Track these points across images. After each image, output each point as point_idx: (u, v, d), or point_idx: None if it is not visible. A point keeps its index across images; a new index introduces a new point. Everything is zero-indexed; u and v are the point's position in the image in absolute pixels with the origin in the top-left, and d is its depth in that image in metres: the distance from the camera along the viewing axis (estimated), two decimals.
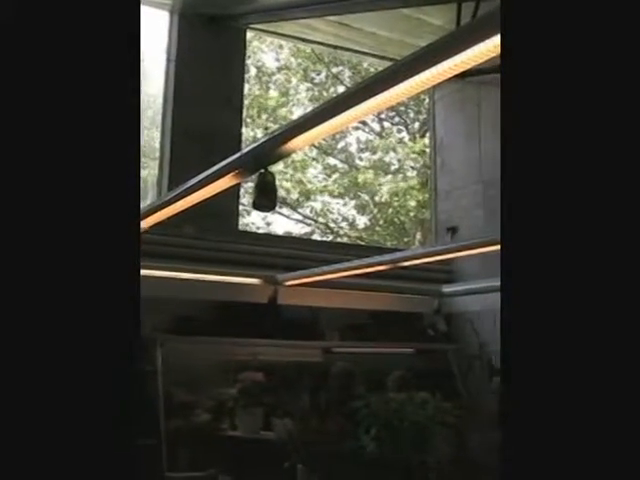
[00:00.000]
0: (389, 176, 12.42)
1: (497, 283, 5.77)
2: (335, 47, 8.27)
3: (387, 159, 12.70)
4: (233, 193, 6.90)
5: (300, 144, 2.90)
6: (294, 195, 12.19)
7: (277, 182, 3.11)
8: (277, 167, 8.41)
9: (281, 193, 11.35)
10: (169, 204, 3.89)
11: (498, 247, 4.78)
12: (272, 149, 2.95)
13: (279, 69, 12.79)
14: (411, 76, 2.26)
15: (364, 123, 12.69)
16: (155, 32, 7.14)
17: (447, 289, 7.23)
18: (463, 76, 7.29)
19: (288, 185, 11.97)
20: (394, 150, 12.66)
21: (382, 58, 8.37)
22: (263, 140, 3.12)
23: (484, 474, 6.15)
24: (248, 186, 8.38)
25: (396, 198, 11.91)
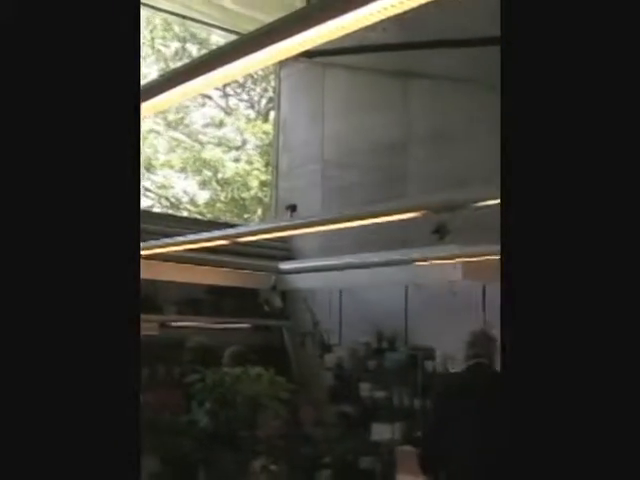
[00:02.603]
0: (232, 153, 12.38)
1: (333, 262, 5.93)
2: (184, 17, 8.13)
3: (232, 136, 12.66)
4: None
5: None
6: None
7: None
8: None
9: None
10: None
11: (335, 226, 4.94)
12: None
13: None
14: (254, 51, 2.25)
15: (210, 98, 12.56)
16: None
17: (284, 266, 7.35)
18: (310, 56, 7.39)
19: None
20: (239, 128, 12.63)
21: (231, 32, 8.32)
22: None
23: (313, 446, 6.35)
24: None
25: (239, 175, 11.92)
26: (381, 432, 6.44)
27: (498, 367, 4.23)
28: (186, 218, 10.14)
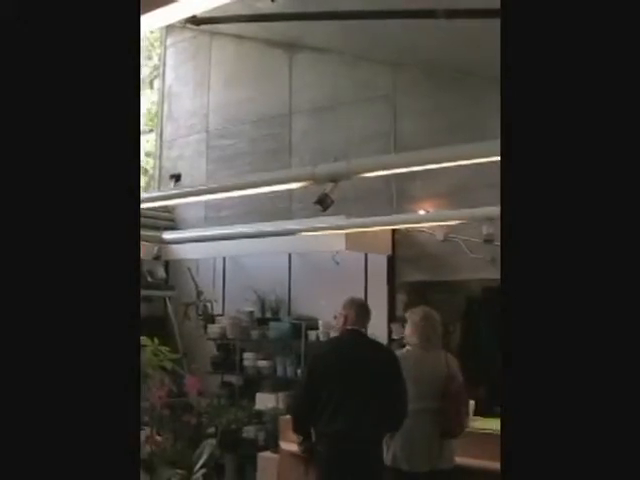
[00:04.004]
0: None
1: (217, 232, 5.89)
2: None
3: None
4: None
5: None
6: None
7: None
8: None
9: None
10: None
11: (219, 195, 4.92)
12: None
13: None
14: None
15: None
16: None
17: (167, 236, 7.25)
18: (197, 23, 7.26)
19: None
20: None
21: None
22: None
23: (198, 416, 6.34)
24: None
25: None
26: (265, 401, 6.51)
27: (369, 333, 4.37)
28: None
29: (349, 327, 4.23)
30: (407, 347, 4.41)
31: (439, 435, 4.30)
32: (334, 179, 3.86)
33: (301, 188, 4.27)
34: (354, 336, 4.22)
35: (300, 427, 4.17)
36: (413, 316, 4.50)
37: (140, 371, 1.73)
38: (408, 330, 4.48)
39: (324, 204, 3.84)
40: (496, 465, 4.62)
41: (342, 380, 4.04)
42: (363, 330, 4.27)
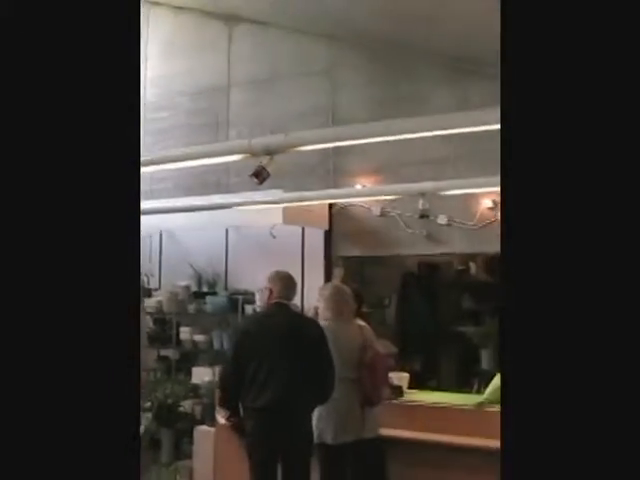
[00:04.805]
0: None
1: (153, 205, 5.74)
2: None
3: None
4: None
5: None
6: None
7: None
8: None
9: None
10: None
11: (155, 167, 4.84)
12: None
13: None
14: None
15: None
16: None
17: None
18: None
19: None
20: None
21: None
22: None
23: None
24: None
25: None
26: (201, 375, 6.49)
27: (294, 306, 4.41)
28: None
29: (275, 300, 4.25)
30: (322, 322, 4.44)
31: (359, 405, 4.37)
32: (271, 152, 3.84)
33: (239, 162, 4.25)
34: (280, 309, 4.24)
35: (227, 402, 4.18)
36: (324, 292, 4.56)
37: (140, 366, 1.76)
38: (321, 306, 4.53)
39: (260, 177, 3.82)
40: (426, 436, 4.73)
41: (269, 354, 4.06)
42: (289, 303, 4.29)
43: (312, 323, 4.38)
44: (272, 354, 4.06)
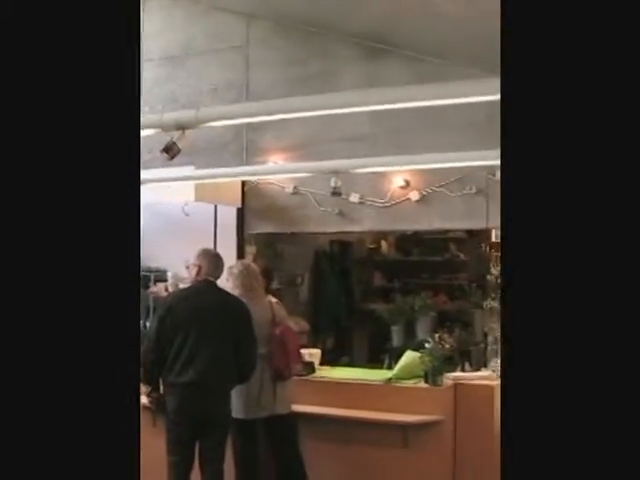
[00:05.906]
0: None
1: None
2: None
3: None
4: None
5: None
6: None
7: None
8: None
9: None
10: None
11: None
12: None
13: None
14: None
15: None
16: None
17: None
18: None
19: None
20: None
21: None
22: None
23: None
24: None
25: None
26: None
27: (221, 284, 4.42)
28: None
29: (202, 278, 4.26)
30: None
31: (271, 379, 4.43)
32: (182, 127, 3.81)
33: (150, 138, 4.19)
34: (207, 286, 4.26)
35: (149, 378, 4.17)
36: (233, 270, 4.61)
37: (139, 363, 1.78)
38: (231, 284, 4.56)
39: (171, 152, 3.78)
40: (336, 411, 4.82)
41: (196, 330, 4.07)
42: (214, 280, 4.30)
43: (238, 301, 4.38)
44: (199, 331, 4.06)
